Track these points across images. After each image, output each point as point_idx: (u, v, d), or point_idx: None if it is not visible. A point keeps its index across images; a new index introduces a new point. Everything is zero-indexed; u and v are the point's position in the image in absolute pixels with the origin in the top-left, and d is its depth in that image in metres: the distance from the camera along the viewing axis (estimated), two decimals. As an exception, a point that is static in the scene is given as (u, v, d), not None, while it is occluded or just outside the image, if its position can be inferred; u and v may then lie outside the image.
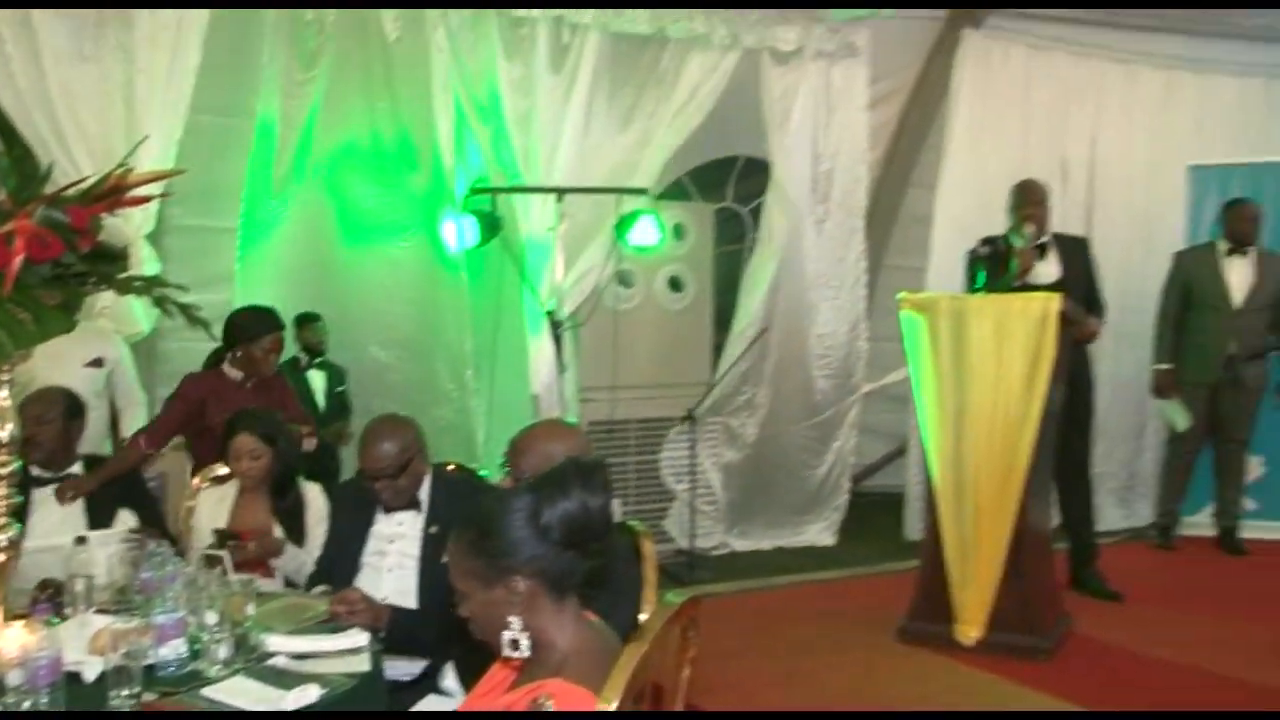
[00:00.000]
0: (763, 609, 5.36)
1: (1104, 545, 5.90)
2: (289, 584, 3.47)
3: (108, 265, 2.34)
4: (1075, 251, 5.48)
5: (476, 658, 2.09)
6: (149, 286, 2.39)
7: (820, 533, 6.59)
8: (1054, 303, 4.43)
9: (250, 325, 4.33)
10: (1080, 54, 7.06)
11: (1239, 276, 6.13)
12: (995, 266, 4.89)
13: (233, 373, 4.31)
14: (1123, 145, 7.14)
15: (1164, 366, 6.19)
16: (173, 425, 4.25)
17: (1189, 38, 7.30)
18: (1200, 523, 6.53)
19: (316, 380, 5.62)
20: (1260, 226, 6.16)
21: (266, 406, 4.01)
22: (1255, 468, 6.47)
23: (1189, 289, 6.16)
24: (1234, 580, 5.83)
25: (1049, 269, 5.30)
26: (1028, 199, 5.37)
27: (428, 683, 2.93)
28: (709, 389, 6.03)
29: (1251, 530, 6.34)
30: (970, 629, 4.52)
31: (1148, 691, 4.21)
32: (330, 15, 5.16)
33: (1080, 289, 5.25)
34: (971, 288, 4.84)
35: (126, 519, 3.64)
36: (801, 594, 5.65)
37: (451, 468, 3.63)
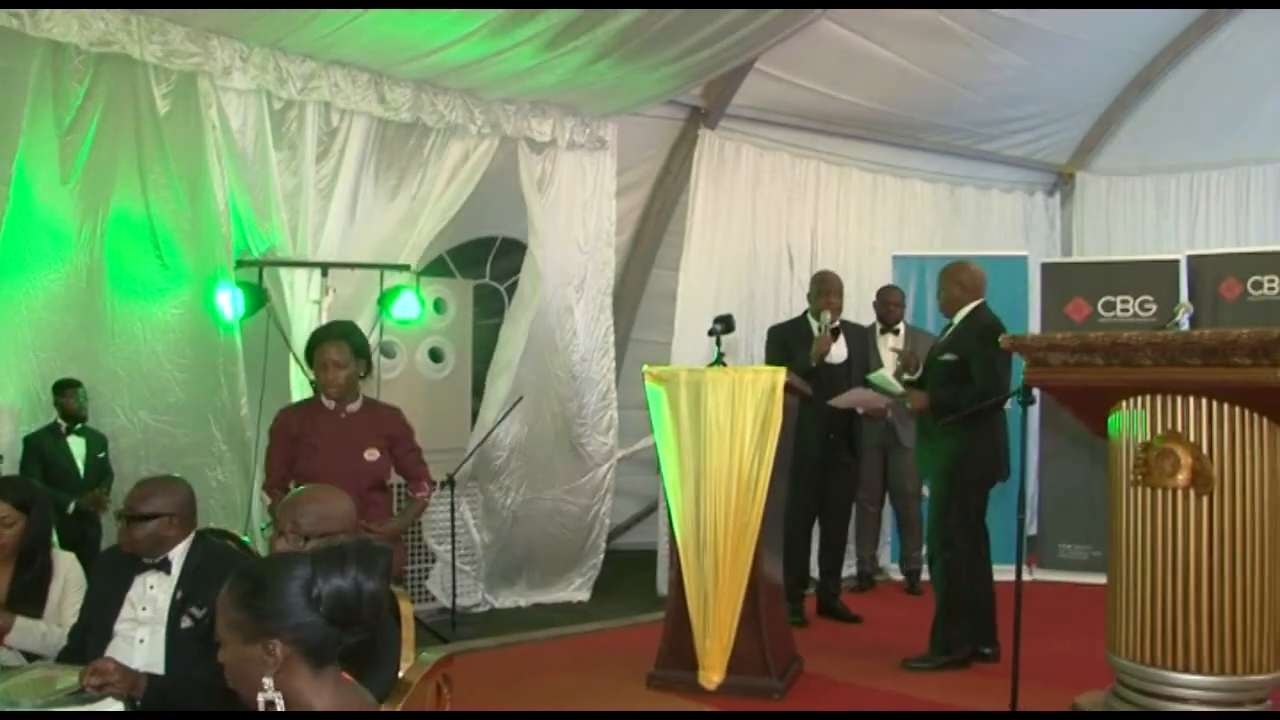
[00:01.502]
0: (522, 662, 5.32)
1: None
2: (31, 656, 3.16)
3: None
4: (858, 338, 6.02)
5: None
6: None
7: (576, 589, 6.61)
8: (780, 375, 4.65)
9: (306, 346, 4.28)
10: (801, 155, 7.59)
11: (890, 351, 6.65)
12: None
13: (327, 401, 4.23)
14: (838, 236, 7.70)
15: None
16: (279, 466, 4.18)
17: (890, 146, 7.99)
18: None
19: (76, 446, 5.24)
20: (903, 309, 6.76)
21: (368, 432, 4.19)
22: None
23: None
24: (922, 618, 6.18)
25: (839, 350, 5.75)
26: (829, 288, 5.82)
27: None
28: (468, 454, 5.98)
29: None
30: (712, 674, 4.61)
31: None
32: (100, 85, 4.90)
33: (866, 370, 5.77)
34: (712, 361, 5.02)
35: None
36: (559, 647, 5.64)
37: (215, 534, 3.45)
